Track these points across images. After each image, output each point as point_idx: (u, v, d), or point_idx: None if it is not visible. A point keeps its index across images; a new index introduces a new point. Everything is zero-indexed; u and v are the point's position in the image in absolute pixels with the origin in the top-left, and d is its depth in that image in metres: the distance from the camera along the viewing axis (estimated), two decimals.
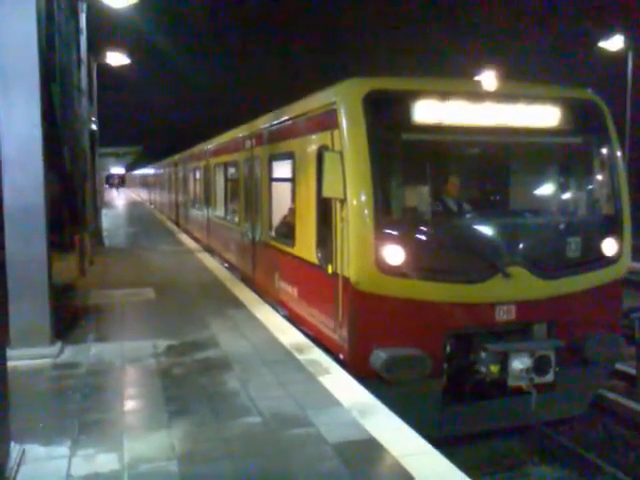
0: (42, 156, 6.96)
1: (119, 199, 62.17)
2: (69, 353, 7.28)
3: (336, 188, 6.92)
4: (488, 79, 7.75)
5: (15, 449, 4.50)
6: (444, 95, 7.19)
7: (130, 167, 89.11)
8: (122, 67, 22.28)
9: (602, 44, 24.12)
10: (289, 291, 9.26)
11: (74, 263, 12.70)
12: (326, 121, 7.51)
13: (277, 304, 9.84)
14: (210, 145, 17.64)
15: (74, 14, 14.57)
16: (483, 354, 6.91)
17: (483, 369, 6.91)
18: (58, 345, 7.28)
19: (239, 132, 13.43)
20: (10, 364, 4.87)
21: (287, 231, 9.53)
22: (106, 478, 4.32)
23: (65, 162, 11.25)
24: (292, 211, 9.34)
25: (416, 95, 7.13)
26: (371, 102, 6.96)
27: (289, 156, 9.25)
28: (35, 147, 6.90)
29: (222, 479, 4.36)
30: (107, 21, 21.00)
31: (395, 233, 6.85)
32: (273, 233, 10.41)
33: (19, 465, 4.41)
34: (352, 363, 6.87)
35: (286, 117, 9.57)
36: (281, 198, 10.16)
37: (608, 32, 23.76)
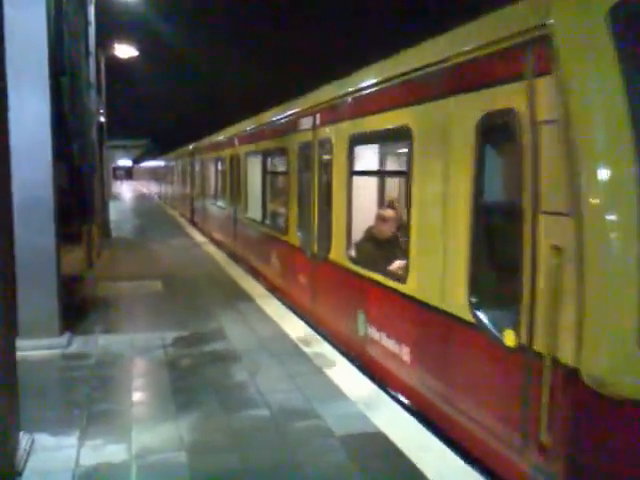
0: (51, 149, 7.00)
1: (127, 192, 62.34)
2: (78, 344, 7.33)
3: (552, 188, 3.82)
4: None
5: (24, 438, 4.54)
6: None
7: (138, 159, 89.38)
8: (130, 59, 22.37)
9: None
10: (394, 351, 5.96)
11: (82, 255, 12.76)
12: (513, 64, 4.19)
13: (360, 361, 6.72)
14: (240, 130, 14.35)
15: (82, 6, 14.57)
16: None
17: None
18: (67, 336, 7.34)
19: (288, 109, 10.03)
20: (19, 354, 4.92)
21: (389, 254, 6.62)
22: (115, 468, 4.35)
23: (74, 155, 11.30)
24: (401, 223, 6.60)
25: None
26: (626, 21, 3.63)
27: (400, 134, 5.93)
28: (44, 140, 6.94)
29: (230, 470, 4.38)
30: (115, 13, 21.06)
31: None
32: (354, 253, 7.21)
33: (28, 454, 4.45)
34: None
35: (398, 71, 5.97)
36: (371, 200, 7.54)
37: None
